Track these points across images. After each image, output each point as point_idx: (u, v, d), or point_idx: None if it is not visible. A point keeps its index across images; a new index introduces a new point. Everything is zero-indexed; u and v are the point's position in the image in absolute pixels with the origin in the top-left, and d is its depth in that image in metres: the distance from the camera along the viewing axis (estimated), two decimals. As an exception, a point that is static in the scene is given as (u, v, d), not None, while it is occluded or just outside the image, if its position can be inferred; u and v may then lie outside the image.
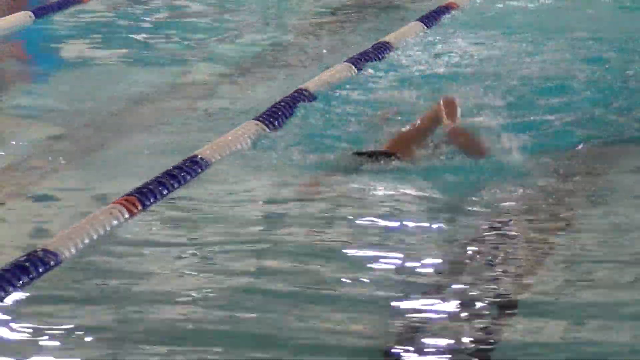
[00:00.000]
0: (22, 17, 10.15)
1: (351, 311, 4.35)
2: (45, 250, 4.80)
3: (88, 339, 4.22)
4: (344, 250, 4.96)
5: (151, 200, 5.48)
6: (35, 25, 10.10)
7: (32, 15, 10.14)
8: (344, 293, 4.52)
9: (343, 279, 4.63)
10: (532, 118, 6.78)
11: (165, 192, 5.59)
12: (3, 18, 10.05)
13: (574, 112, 6.88)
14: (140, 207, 5.36)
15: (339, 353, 4.04)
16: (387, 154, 5.99)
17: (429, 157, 6.04)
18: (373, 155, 5.99)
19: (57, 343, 4.20)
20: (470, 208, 5.56)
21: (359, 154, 6.02)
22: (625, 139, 6.54)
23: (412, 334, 4.22)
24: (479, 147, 6.04)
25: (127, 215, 5.24)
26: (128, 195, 5.39)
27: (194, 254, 5.02)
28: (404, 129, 6.29)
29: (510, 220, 5.46)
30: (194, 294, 4.54)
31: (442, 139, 6.14)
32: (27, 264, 4.63)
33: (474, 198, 5.63)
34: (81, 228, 5.08)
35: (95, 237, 5.03)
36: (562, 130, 6.57)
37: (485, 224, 5.38)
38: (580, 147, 6.39)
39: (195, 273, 4.83)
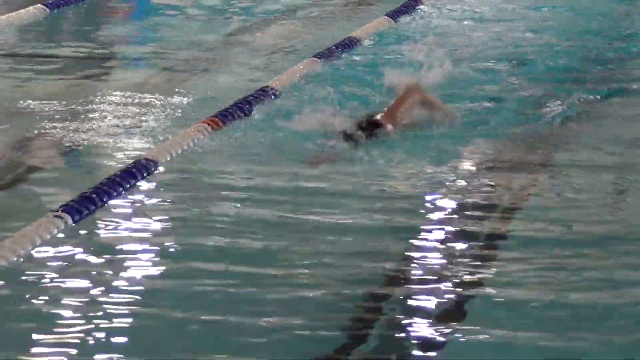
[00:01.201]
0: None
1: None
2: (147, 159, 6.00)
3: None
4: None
5: (230, 120, 6.64)
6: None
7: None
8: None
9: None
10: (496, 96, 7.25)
11: (241, 115, 6.75)
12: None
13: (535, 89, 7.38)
14: (221, 125, 6.54)
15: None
16: (375, 124, 6.29)
17: (408, 128, 6.41)
18: (361, 129, 6.22)
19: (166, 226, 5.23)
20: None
21: (347, 133, 6.24)
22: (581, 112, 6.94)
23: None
24: (440, 106, 6.63)
25: (210, 131, 6.44)
26: (213, 116, 6.62)
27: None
28: (385, 108, 6.59)
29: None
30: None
31: (416, 113, 6.54)
32: (134, 169, 5.82)
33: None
34: (175, 142, 6.31)
35: (185, 148, 6.23)
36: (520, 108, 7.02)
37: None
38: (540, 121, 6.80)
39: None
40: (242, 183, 5.88)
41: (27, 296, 4.53)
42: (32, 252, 4.97)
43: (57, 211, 5.27)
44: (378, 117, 6.36)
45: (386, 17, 9.64)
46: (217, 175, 5.98)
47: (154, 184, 5.82)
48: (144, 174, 5.82)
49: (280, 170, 5.97)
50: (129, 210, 5.49)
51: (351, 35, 8.84)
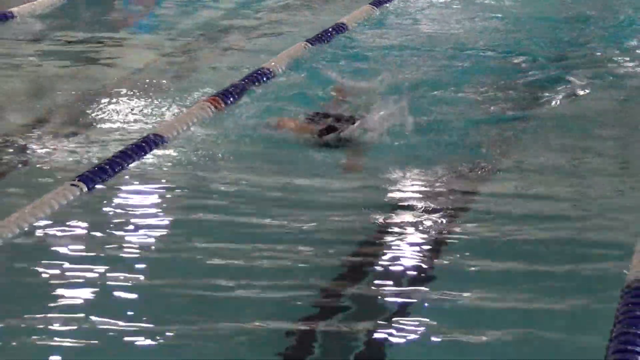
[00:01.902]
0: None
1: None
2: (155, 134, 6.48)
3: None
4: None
5: (230, 100, 7.03)
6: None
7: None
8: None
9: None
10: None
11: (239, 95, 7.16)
12: None
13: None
14: (222, 105, 6.95)
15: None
16: (350, 120, 6.29)
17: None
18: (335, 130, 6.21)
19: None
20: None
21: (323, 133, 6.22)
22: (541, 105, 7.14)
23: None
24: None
25: (214, 109, 6.86)
26: (214, 95, 7.08)
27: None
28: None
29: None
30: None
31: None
32: (143, 144, 6.31)
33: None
34: (181, 119, 6.80)
35: (190, 124, 6.67)
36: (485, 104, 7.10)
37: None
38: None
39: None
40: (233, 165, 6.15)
41: (40, 261, 4.84)
42: (51, 217, 5.36)
43: (74, 180, 5.74)
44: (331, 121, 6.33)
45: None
46: (212, 159, 6.21)
47: (161, 157, 6.16)
48: (152, 148, 6.26)
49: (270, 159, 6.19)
50: (139, 180, 5.89)
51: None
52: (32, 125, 6.98)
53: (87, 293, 4.50)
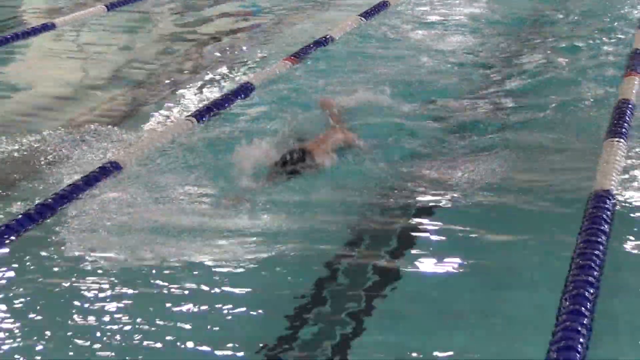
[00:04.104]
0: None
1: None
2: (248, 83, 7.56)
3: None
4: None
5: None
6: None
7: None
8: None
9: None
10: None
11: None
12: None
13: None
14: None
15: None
16: (302, 153, 5.93)
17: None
18: (289, 162, 5.88)
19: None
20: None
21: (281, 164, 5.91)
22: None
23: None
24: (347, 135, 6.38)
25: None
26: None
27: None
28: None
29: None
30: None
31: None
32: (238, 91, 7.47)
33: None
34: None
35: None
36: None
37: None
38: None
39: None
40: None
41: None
42: (162, 149, 6.31)
43: (188, 116, 6.96)
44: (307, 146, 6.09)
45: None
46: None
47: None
48: (244, 96, 7.46)
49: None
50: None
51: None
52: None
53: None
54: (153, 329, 4.30)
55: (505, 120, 6.99)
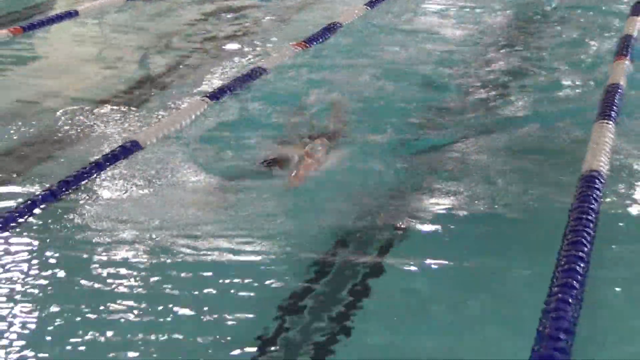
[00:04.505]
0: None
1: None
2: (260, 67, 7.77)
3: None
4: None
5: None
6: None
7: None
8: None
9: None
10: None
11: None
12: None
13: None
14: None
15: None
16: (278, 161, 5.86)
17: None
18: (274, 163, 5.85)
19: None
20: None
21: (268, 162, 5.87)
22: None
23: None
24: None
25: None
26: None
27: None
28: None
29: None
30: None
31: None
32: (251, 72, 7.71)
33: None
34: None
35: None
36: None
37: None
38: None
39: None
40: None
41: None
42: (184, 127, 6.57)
43: (203, 97, 7.19)
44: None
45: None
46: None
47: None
48: (256, 78, 7.73)
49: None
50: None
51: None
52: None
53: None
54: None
55: (495, 105, 7.08)
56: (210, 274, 4.68)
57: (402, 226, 5.19)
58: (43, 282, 4.65)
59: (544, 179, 5.72)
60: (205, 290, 4.55)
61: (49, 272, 4.76)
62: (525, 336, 3.99)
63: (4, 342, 4.17)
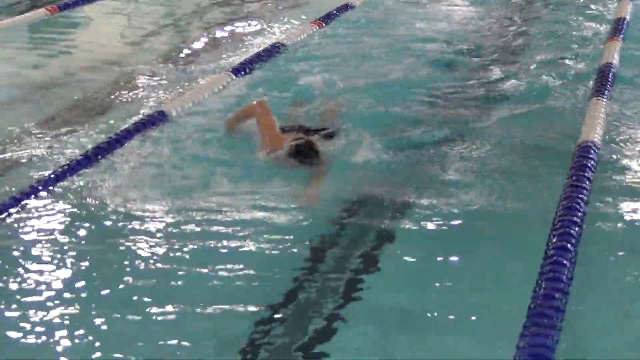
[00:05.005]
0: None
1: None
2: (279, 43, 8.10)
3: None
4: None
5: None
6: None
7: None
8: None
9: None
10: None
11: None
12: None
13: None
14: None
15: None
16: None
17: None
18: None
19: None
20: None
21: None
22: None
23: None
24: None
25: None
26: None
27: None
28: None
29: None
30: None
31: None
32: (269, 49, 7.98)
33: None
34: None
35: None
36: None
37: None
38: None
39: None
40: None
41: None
42: (206, 100, 6.81)
43: (226, 71, 7.57)
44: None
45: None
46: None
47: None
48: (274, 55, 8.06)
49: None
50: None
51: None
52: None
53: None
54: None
55: (495, 91, 7.20)
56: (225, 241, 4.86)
57: (399, 217, 5.18)
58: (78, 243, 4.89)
59: (543, 152, 5.93)
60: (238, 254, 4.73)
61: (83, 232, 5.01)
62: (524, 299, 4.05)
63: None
